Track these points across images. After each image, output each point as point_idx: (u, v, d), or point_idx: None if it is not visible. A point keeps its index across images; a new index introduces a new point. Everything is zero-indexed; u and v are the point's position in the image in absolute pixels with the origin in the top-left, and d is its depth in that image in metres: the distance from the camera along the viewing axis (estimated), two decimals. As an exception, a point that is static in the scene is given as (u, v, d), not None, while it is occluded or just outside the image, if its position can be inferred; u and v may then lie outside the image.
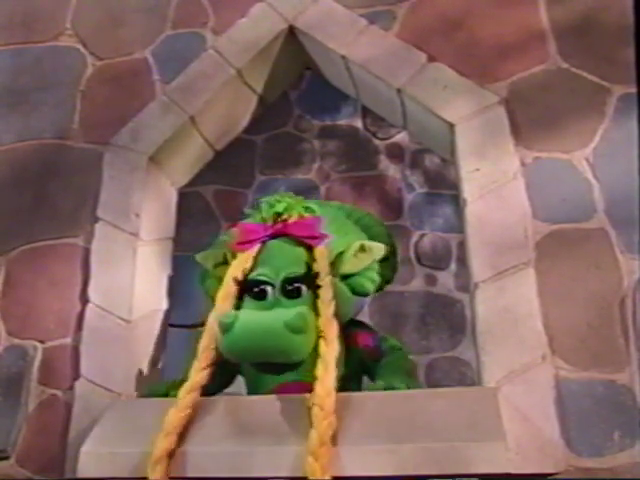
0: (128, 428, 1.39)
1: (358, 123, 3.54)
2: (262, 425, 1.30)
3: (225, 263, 1.54)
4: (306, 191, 1.67)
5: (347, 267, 1.48)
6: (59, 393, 1.55)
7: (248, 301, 1.45)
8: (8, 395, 1.56)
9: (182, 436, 1.28)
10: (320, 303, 1.37)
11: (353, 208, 1.69)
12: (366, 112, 3.37)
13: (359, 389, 1.50)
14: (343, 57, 1.76)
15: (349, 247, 1.49)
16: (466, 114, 1.59)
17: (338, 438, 1.22)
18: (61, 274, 1.68)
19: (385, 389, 1.33)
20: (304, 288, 1.43)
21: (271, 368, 1.40)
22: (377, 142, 3.51)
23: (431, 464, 1.18)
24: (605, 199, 1.46)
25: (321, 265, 1.43)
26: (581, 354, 1.33)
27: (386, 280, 1.58)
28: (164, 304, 1.77)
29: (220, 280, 1.49)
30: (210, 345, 1.37)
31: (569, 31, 1.64)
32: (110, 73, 1.93)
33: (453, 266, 3.27)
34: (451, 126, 1.60)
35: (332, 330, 1.33)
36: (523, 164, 1.52)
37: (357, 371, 1.52)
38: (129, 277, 1.64)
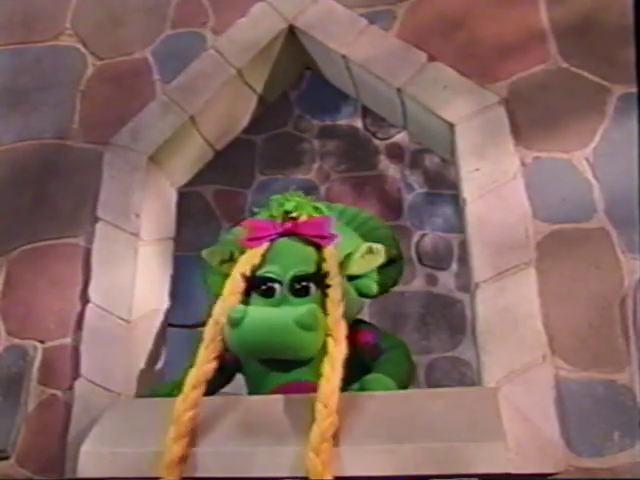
0: (128, 428, 1.39)
1: (358, 123, 3.53)
2: (264, 425, 1.30)
3: (231, 260, 1.54)
4: (306, 191, 1.67)
5: (355, 268, 1.48)
6: (59, 393, 1.55)
7: (255, 298, 1.45)
8: (8, 395, 1.56)
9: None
10: (329, 303, 1.37)
11: (358, 210, 1.68)
12: (366, 112, 3.37)
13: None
14: (343, 57, 1.76)
15: (357, 248, 1.50)
16: (466, 114, 1.59)
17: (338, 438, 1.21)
18: (61, 274, 1.68)
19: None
20: (313, 287, 1.44)
21: (278, 365, 1.40)
22: (377, 142, 3.51)
23: (431, 464, 1.18)
24: (605, 199, 1.46)
25: (330, 265, 1.43)
26: (581, 354, 1.33)
27: (392, 283, 1.59)
28: (164, 304, 1.77)
29: (225, 277, 1.49)
30: (216, 337, 1.35)
31: (569, 31, 1.64)
32: (110, 73, 1.93)
33: (454, 266, 3.27)
34: (451, 126, 1.60)
35: (341, 330, 1.33)
36: (523, 164, 1.52)
37: (357, 372, 1.52)
38: (129, 277, 1.64)
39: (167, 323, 1.77)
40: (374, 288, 1.52)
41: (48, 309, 1.65)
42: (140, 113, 1.83)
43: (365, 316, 1.66)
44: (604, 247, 1.41)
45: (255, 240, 1.51)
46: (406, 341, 1.59)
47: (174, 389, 1.39)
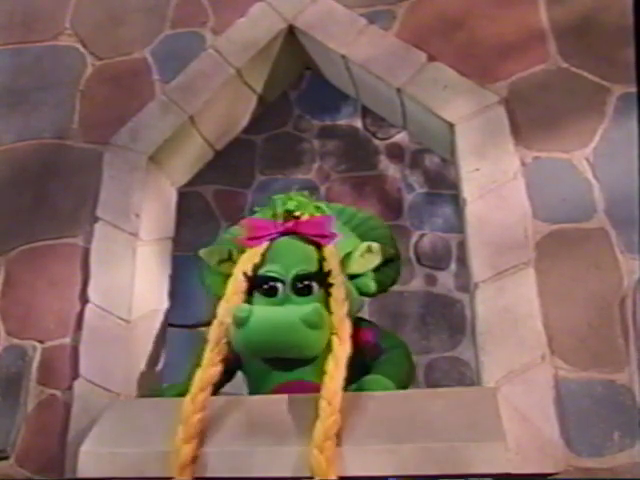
0: (127, 428, 1.39)
1: (358, 123, 3.54)
2: (268, 425, 1.30)
3: (229, 260, 1.53)
4: (306, 191, 1.67)
5: (354, 267, 1.49)
6: (58, 393, 1.55)
7: (258, 297, 1.45)
8: (7, 395, 1.56)
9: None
10: (333, 301, 1.37)
11: (357, 210, 1.69)
12: (366, 112, 3.37)
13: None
14: (343, 57, 1.76)
15: (356, 248, 1.50)
16: (466, 114, 1.59)
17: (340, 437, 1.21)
18: (61, 274, 1.68)
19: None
20: (315, 286, 1.44)
21: (281, 364, 1.40)
22: (377, 142, 3.51)
23: (431, 464, 1.18)
24: (605, 199, 1.46)
25: (332, 264, 1.44)
26: (581, 354, 1.33)
27: (390, 282, 1.59)
28: (164, 304, 1.77)
29: (224, 277, 1.48)
30: (222, 339, 1.34)
31: (569, 31, 1.64)
32: (109, 73, 1.93)
33: (453, 266, 3.27)
34: (451, 126, 1.60)
35: (345, 329, 1.33)
36: (523, 164, 1.52)
37: (357, 371, 1.52)
38: (129, 277, 1.64)
39: (167, 323, 1.77)
40: (372, 287, 1.52)
41: (47, 309, 1.65)
42: (140, 113, 1.83)
43: (365, 315, 1.66)
44: (604, 247, 1.41)
45: (255, 239, 1.51)
46: (406, 341, 1.59)
47: (182, 393, 1.35)
